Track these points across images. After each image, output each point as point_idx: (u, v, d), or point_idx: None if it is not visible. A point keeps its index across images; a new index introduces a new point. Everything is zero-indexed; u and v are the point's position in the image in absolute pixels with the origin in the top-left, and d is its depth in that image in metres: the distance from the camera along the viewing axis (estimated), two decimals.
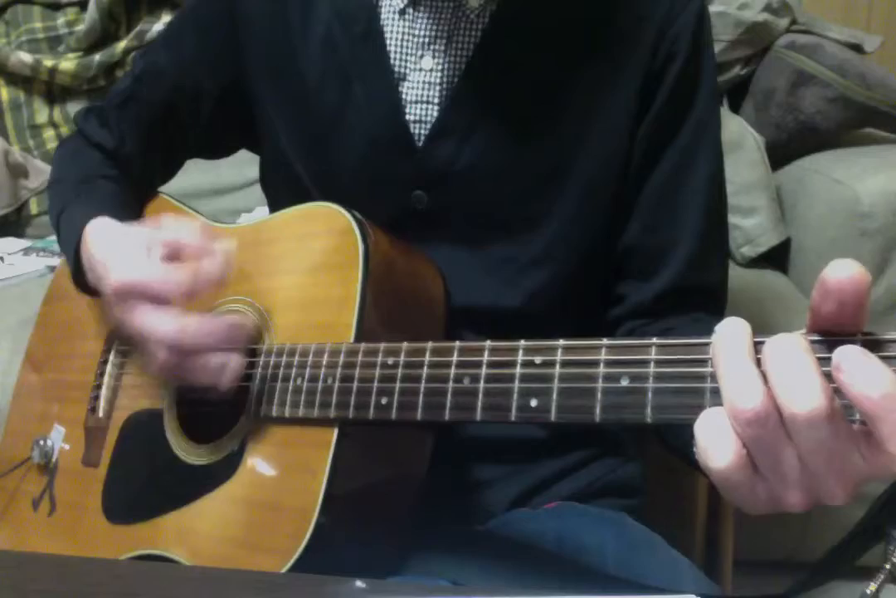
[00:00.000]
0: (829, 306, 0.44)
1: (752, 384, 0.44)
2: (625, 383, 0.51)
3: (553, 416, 0.54)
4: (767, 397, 0.44)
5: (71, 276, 0.84)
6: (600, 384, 0.52)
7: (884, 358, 0.43)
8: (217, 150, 0.99)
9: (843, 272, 0.43)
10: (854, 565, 0.50)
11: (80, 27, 1.93)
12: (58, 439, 0.89)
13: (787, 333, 0.45)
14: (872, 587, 0.43)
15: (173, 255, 0.72)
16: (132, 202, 0.91)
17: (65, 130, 1.96)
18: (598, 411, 0.52)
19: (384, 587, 0.59)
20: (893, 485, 0.47)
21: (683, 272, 0.83)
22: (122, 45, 1.92)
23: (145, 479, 0.81)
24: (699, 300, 0.84)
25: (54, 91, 1.98)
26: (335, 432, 0.67)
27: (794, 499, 0.46)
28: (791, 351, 0.44)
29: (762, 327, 0.48)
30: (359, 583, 0.55)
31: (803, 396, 0.43)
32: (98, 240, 0.79)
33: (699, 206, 0.83)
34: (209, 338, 0.69)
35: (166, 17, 1.94)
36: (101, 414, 0.86)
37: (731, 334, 0.46)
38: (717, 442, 0.46)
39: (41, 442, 0.89)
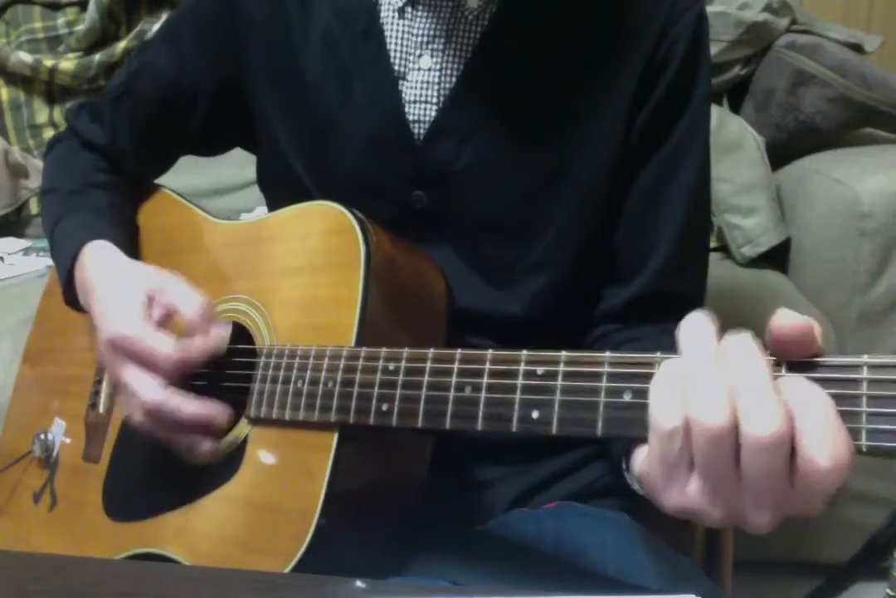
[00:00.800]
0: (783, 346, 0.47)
1: (718, 400, 0.45)
2: (627, 397, 0.51)
3: (555, 428, 0.53)
4: (731, 415, 0.45)
5: (63, 297, 0.86)
6: (602, 398, 0.52)
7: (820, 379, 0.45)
8: (212, 148, 0.99)
9: (786, 321, 0.46)
10: (855, 582, 0.50)
11: (80, 27, 1.93)
12: (58, 433, 0.89)
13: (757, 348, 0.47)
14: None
15: (168, 318, 0.74)
16: (126, 212, 0.92)
17: None
18: (599, 425, 0.52)
19: (384, 587, 0.59)
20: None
21: (656, 278, 0.82)
22: (122, 45, 1.92)
23: (146, 477, 0.81)
24: (672, 309, 0.83)
25: (54, 91, 1.98)
26: (335, 435, 0.66)
27: (713, 515, 0.48)
28: (751, 364, 0.46)
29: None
30: (359, 583, 0.55)
31: (762, 420, 0.44)
32: (97, 269, 0.81)
33: (680, 212, 0.82)
34: (185, 418, 0.71)
35: (166, 17, 1.94)
36: (101, 410, 0.86)
37: (697, 335, 0.48)
38: (666, 410, 0.47)
39: (42, 436, 0.89)
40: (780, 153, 1.69)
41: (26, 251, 1.76)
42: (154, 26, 1.93)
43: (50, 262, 1.73)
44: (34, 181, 1.90)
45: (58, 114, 1.98)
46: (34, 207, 1.90)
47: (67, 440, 0.89)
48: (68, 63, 1.91)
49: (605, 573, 0.73)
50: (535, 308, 0.83)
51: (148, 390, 0.71)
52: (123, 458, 0.83)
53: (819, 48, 1.65)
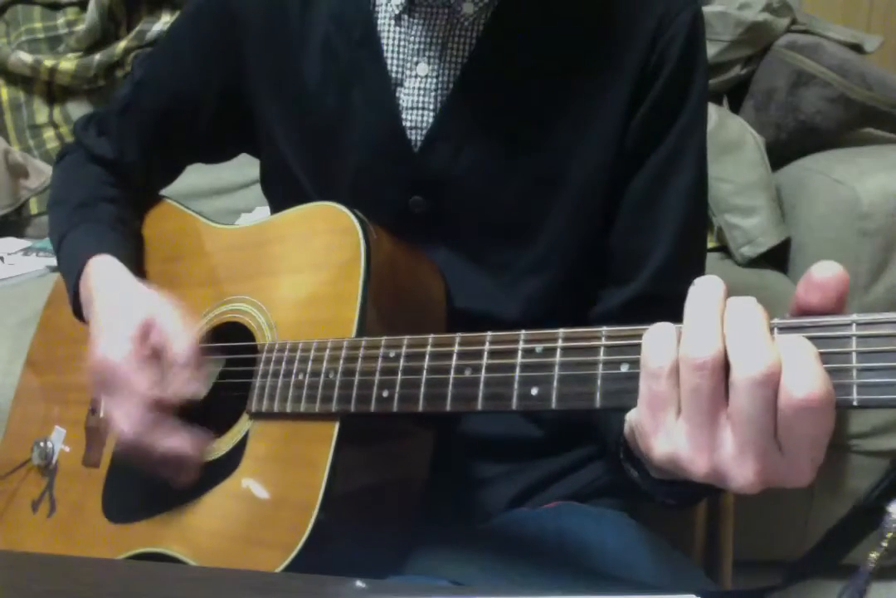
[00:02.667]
0: (815, 299, 0.47)
1: (710, 335, 0.47)
2: (624, 369, 0.52)
3: (553, 403, 0.54)
4: (720, 351, 0.46)
5: (70, 304, 0.87)
6: (600, 371, 0.53)
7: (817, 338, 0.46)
8: (218, 154, 0.99)
9: (828, 271, 0.46)
10: (850, 550, 0.50)
11: (80, 27, 1.93)
12: (58, 440, 0.89)
13: (750, 299, 0.49)
14: (868, 564, 0.43)
15: (157, 353, 0.75)
16: (133, 225, 0.94)
17: (64, 130, 1.96)
18: (598, 397, 0.53)
19: (384, 587, 0.59)
20: (890, 464, 0.47)
21: (654, 280, 0.82)
22: (122, 45, 1.92)
23: (146, 478, 0.81)
24: (670, 310, 0.83)
25: (54, 91, 1.98)
26: (336, 426, 0.67)
27: (698, 463, 0.48)
28: (749, 312, 0.47)
29: None
30: (359, 583, 0.55)
31: (752, 357, 0.45)
32: (100, 285, 0.82)
33: (677, 214, 0.82)
34: (158, 453, 0.73)
35: (166, 17, 1.94)
36: (101, 414, 0.86)
37: (705, 287, 0.49)
38: (657, 349, 0.48)
39: (41, 443, 0.89)
40: (780, 153, 1.69)
41: (26, 251, 1.76)
42: (154, 26, 1.93)
43: (50, 262, 1.74)
44: (34, 181, 1.90)
45: (58, 114, 1.98)
46: (34, 207, 1.90)
47: (67, 448, 0.89)
48: (68, 63, 1.91)
49: (604, 572, 0.73)
50: (532, 309, 0.83)
51: (124, 421, 0.73)
52: (123, 460, 0.84)
53: (819, 48, 1.65)
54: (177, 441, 0.73)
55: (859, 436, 1.50)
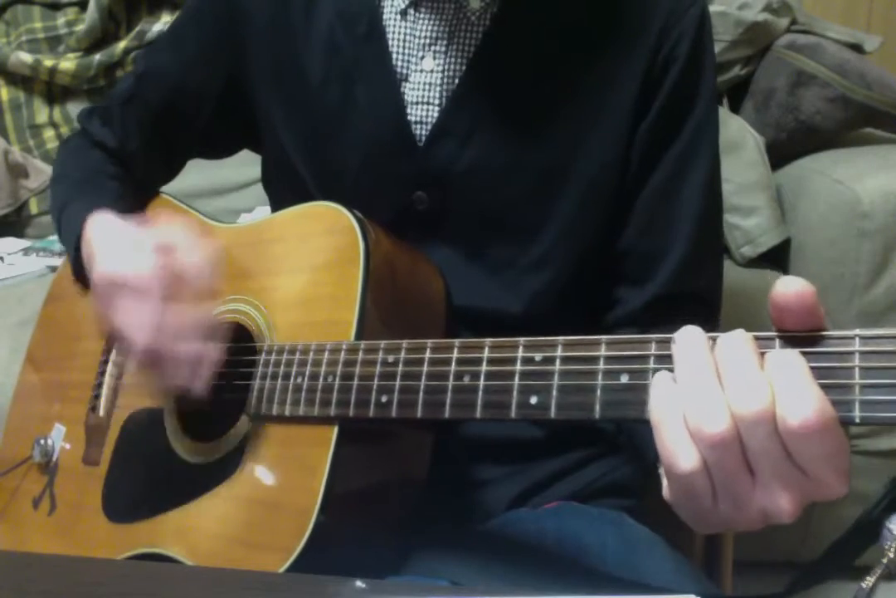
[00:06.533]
0: (788, 320, 0.47)
1: (717, 406, 0.46)
2: (624, 379, 0.51)
3: (553, 413, 0.54)
4: (731, 419, 0.45)
5: (72, 271, 0.85)
6: (600, 381, 0.52)
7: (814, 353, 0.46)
8: (219, 150, 0.99)
9: (788, 289, 0.46)
10: (852, 563, 0.50)
11: (80, 27, 1.93)
12: (58, 438, 0.89)
13: (737, 333, 0.48)
14: (868, 581, 0.43)
15: (164, 254, 0.71)
16: (134, 198, 0.92)
17: (65, 130, 1.96)
18: (597, 407, 0.52)
19: (384, 587, 0.59)
20: (891, 483, 0.47)
21: (674, 278, 0.82)
22: (122, 45, 1.92)
23: (146, 478, 0.81)
24: (690, 308, 0.83)
25: (54, 91, 1.98)
26: (335, 430, 0.67)
27: (735, 524, 0.49)
28: (738, 353, 0.46)
29: (761, 328, 0.49)
30: (359, 583, 0.55)
31: (745, 397, 0.45)
32: (96, 234, 0.80)
33: (694, 211, 0.82)
34: (182, 341, 0.69)
35: (166, 17, 1.94)
36: (101, 413, 0.86)
37: (689, 344, 0.48)
38: (681, 448, 0.47)
39: (42, 441, 0.89)
40: (780, 153, 1.69)
41: (26, 251, 1.76)
42: (154, 26, 1.93)
43: (50, 262, 1.74)
44: (34, 181, 1.90)
45: (58, 114, 1.98)
46: (34, 207, 1.91)
47: (67, 445, 0.89)
48: (68, 63, 1.91)
49: (604, 572, 0.73)
50: (536, 306, 0.83)
51: (139, 330, 0.69)
52: (123, 459, 0.84)
53: (819, 48, 1.65)
54: (195, 342, 0.69)
55: (859, 436, 1.50)
